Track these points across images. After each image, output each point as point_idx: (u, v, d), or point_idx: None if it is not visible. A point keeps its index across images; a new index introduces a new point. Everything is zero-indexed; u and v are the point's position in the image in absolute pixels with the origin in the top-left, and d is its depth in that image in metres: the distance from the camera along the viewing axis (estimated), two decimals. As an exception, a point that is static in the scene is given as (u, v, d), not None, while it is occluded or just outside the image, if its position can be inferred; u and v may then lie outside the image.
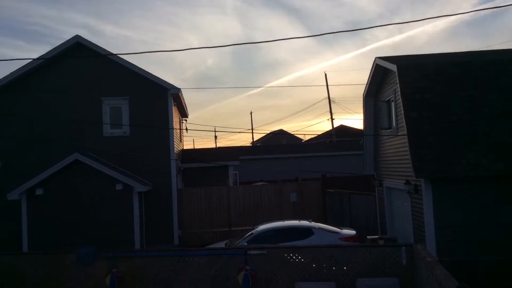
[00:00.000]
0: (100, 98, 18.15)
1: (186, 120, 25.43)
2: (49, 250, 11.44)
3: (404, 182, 12.31)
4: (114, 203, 16.39)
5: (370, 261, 9.10)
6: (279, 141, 50.11)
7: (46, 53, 17.76)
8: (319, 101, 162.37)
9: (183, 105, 21.37)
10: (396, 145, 13.39)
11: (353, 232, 13.63)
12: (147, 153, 18.09)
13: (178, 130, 22.09)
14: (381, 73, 14.52)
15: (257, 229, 13.49)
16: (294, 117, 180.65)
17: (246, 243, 12.53)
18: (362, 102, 16.23)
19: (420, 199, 11.57)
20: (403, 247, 9.10)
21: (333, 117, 44.55)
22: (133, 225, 16.41)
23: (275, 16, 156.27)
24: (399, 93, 12.17)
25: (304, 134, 71.11)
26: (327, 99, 44.66)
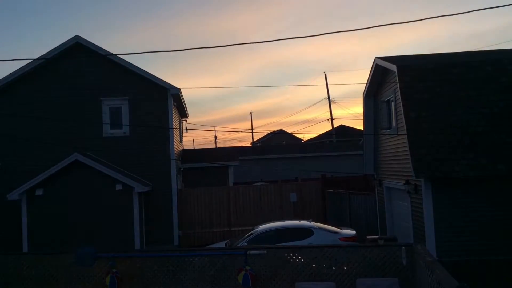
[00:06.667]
0: (100, 98, 18.14)
1: (186, 120, 25.45)
2: (49, 250, 11.46)
3: (404, 182, 12.31)
4: (114, 203, 16.39)
5: (370, 261, 9.11)
6: (279, 141, 50.07)
7: (46, 53, 17.74)
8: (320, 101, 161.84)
9: (183, 105, 21.37)
10: (396, 145, 13.39)
11: (353, 232, 13.62)
12: (147, 153, 18.08)
13: (178, 130, 22.09)
14: (381, 73, 14.52)
15: (257, 229, 13.48)
16: (295, 116, 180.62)
17: (246, 243, 12.53)
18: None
19: (420, 199, 11.57)
20: (403, 247, 9.11)
21: (333, 117, 44.59)
22: (133, 225, 16.42)
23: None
24: (399, 93, 12.17)
25: (304, 134, 71.09)
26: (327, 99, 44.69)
